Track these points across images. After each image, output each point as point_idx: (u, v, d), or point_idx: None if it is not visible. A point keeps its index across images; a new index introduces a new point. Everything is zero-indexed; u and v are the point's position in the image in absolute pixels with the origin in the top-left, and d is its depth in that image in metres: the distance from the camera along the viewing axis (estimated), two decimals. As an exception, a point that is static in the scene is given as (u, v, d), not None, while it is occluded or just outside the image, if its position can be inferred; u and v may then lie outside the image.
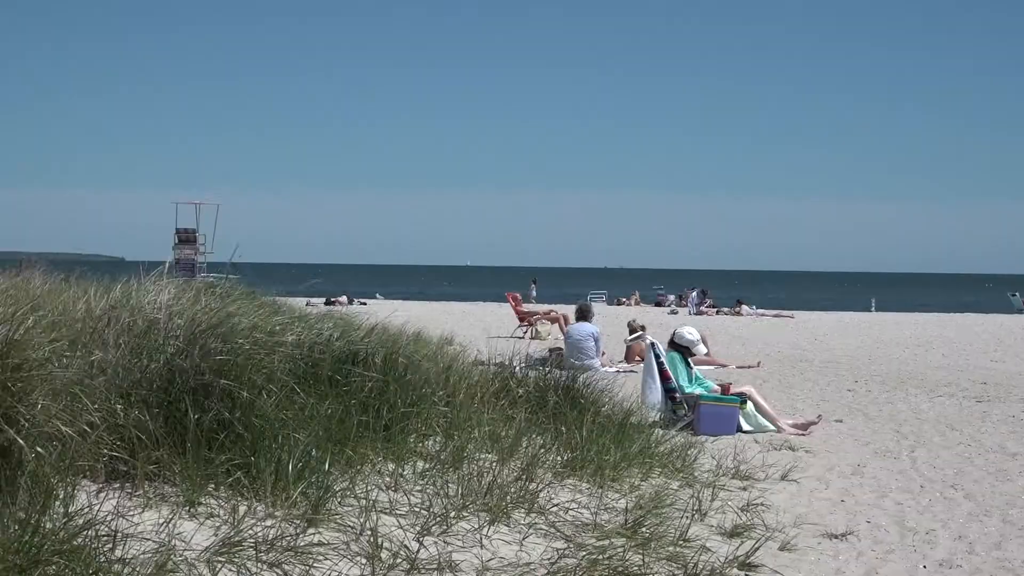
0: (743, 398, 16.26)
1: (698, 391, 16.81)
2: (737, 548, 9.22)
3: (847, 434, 16.27)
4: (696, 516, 10.25)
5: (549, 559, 8.24)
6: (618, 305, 67.95)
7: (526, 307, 43.53)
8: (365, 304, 54.85)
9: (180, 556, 6.84)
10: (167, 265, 11.12)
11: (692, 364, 17.62)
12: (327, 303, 49.58)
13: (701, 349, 17.93)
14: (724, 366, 25.34)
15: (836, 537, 10.24)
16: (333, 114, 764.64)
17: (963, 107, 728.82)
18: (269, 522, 7.70)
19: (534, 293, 61.42)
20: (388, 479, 9.26)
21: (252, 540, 7.25)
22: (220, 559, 6.98)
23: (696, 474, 12.12)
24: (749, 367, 25.14)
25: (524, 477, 9.82)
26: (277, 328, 10.42)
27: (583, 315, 26.16)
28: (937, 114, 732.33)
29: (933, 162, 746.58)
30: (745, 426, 16.01)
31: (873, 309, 70.78)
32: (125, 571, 6.43)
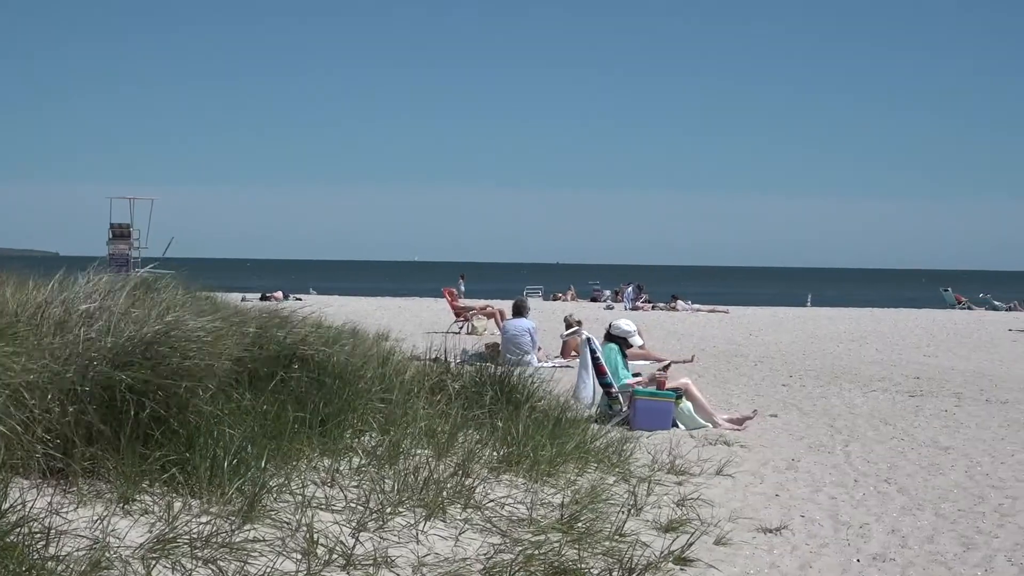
0: (678, 393, 16.31)
1: (632, 380, 16.89)
2: (672, 542, 9.27)
3: (781, 429, 16.37)
4: (632, 511, 10.29)
5: (485, 554, 8.26)
6: (554, 300, 67.96)
7: (463, 302, 43.51)
8: (301, 299, 54.59)
9: (114, 553, 6.81)
10: (99, 261, 11.04)
11: (628, 358, 17.68)
12: (263, 298, 49.29)
13: (637, 340, 17.98)
14: (660, 360, 25.40)
15: (771, 531, 10.31)
16: (275, 111, 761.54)
17: (899, 104, 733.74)
18: (204, 519, 7.67)
19: (462, 288, 61.30)
20: (324, 475, 9.24)
21: (187, 537, 7.23)
22: (154, 556, 6.95)
23: (632, 469, 12.16)
24: (684, 362, 25.21)
25: (460, 472, 9.83)
26: (213, 324, 10.36)
27: (519, 310, 26.18)
28: (877, 110, 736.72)
29: (868, 160, 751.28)
30: (680, 426, 16.06)
31: (808, 304, 71.13)
32: (59, 568, 6.39)
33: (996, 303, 68.05)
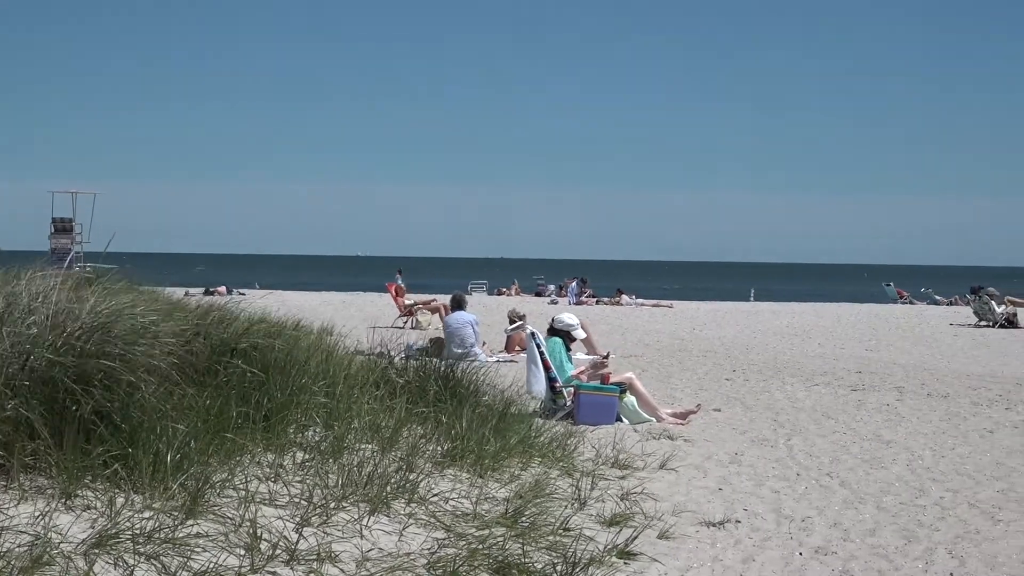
0: (622, 388, 16.34)
1: (574, 372, 16.93)
2: (616, 536, 9.31)
3: (725, 423, 16.43)
4: (576, 505, 10.32)
5: (429, 549, 8.25)
6: (499, 295, 67.98)
7: (412, 298, 43.45)
8: (244, 294, 54.39)
9: (56, 549, 6.77)
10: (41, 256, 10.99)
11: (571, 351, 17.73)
12: (206, 293, 49.00)
13: (580, 333, 18.01)
14: (604, 356, 25.45)
15: (714, 525, 10.36)
16: (218, 106, 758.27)
17: (835, 102, 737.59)
18: (147, 514, 7.63)
19: (399, 282, 61.16)
20: (267, 470, 9.22)
21: (130, 532, 7.19)
22: (97, 552, 6.91)
23: (576, 463, 12.18)
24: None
25: (404, 467, 9.83)
26: (155, 318, 10.31)
27: (458, 304, 26.21)
28: (809, 107, 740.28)
29: (808, 155, 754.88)
30: (624, 420, 16.10)
31: (751, 299, 71.40)
32: (0, 564, 6.36)
33: (937, 298, 68.46)
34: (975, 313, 43.45)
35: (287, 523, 8.15)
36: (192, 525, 7.65)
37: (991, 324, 41.72)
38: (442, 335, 26.21)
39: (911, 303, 67.00)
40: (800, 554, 9.60)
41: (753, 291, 77.68)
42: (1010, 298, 44.56)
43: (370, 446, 10.42)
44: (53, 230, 59.45)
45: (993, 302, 42.43)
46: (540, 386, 17.02)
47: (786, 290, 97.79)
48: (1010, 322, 41.24)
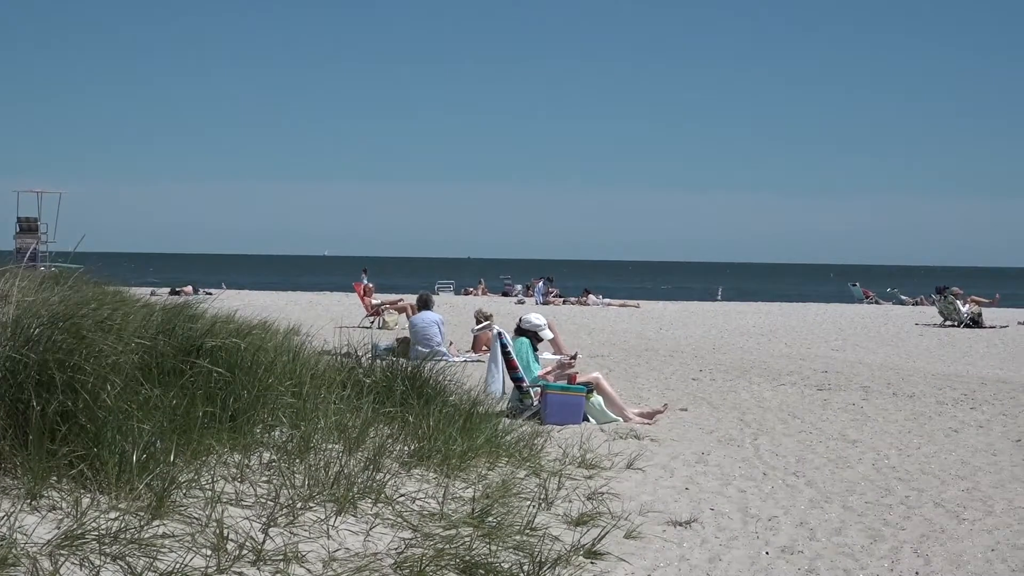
0: (589, 387, 16.35)
1: (541, 372, 16.94)
2: (583, 536, 9.32)
3: (691, 423, 16.46)
4: (543, 505, 10.31)
5: (396, 549, 8.25)
6: (466, 295, 68.02)
7: (379, 298, 43.42)
8: (211, 294, 54.20)
9: (21, 550, 6.75)
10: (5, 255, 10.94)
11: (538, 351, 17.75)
12: (172, 293, 48.91)
13: (547, 333, 18.03)
14: (571, 357, 25.47)
15: (681, 524, 10.37)
16: (185, 107, 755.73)
17: (799, 100, 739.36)
18: (113, 514, 7.60)
19: (365, 282, 60.99)
20: (234, 470, 9.19)
21: (96, 533, 7.17)
22: (63, 552, 6.89)
23: (543, 463, 12.18)
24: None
25: (371, 467, 9.81)
26: (121, 318, 10.28)
27: (425, 304, 26.19)
28: (774, 105, 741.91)
29: (774, 155, 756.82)
30: (591, 420, 16.11)
31: (718, 299, 71.62)
32: (-36, 565, 6.33)
33: (903, 298, 68.78)
34: (940, 313, 43.66)
35: (253, 523, 8.13)
36: (158, 525, 7.63)
37: (956, 324, 41.93)
38: (408, 335, 26.19)
39: (877, 303, 67.32)
40: (766, 553, 9.63)
41: (720, 291, 77.99)
42: (974, 298, 44.89)
43: (337, 446, 10.40)
44: (18, 229, 59.35)
45: (958, 302, 42.64)
46: (498, 385, 17.03)
47: (753, 290, 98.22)
48: (975, 322, 41.46)
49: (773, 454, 14.10)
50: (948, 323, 42.47)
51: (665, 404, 17.45)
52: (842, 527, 10.55)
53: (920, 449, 14.65)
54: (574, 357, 18.25)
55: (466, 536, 8.67)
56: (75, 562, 6.86)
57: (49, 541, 6.98)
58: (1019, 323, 43.96)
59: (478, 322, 28.02)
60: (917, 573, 9.20)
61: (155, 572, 6.97)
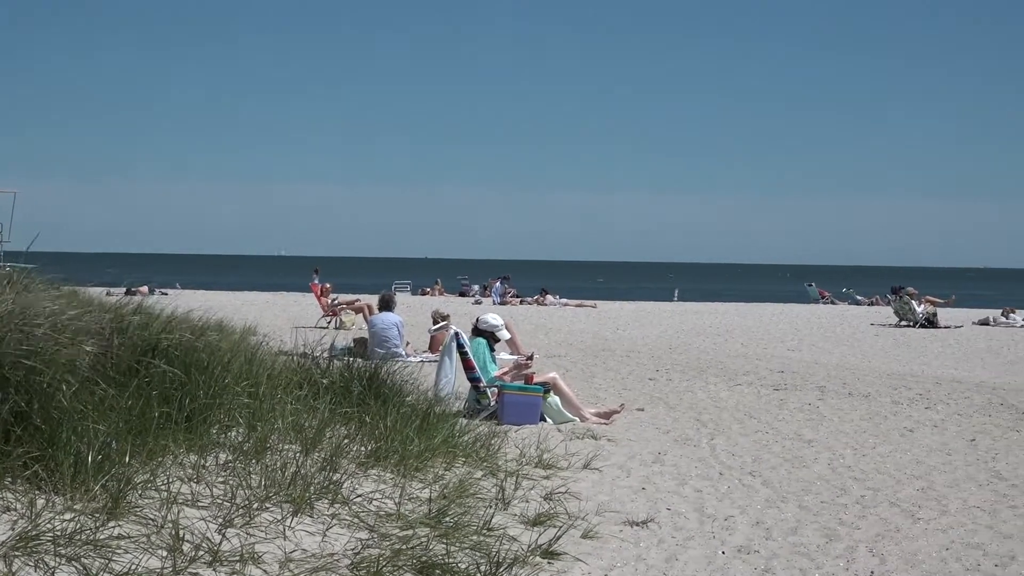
0: (546, 387, 16.36)
1: (498, 372, 16.94)
2: (540, 536, 9.32)
3: (648, 423, 16.48)
4: (500, 505, 10.32)
5: (353, 549, 8.23)
6: (423, 295, 67.94)
7: (344, 297, 43.33)
8: (167, 294, 54.04)
9: (-25, 551, 6.70)
10: None
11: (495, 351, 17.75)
12: (128, 292, 48.67)
13: (504, 333, 18.02)
14: (528, 357, 25.47)
15: (637, 524, 10.39)
16: (142, 108, 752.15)
17: (757, 102, 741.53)
18: (68, 516, 7.56)
19: (317, 281, 60.66)
20: (190, 471, 9.15)
21: (50, 534, 7.12)
22: (17, 554, 6.84)
23: (500, 463, 12.17)
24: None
25: (328, 468, 9.79)
26: (76, 317, 10.22)
27: (386, 304, 26.14)
28: (729, 107, 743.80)
29: (728, 157, 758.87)
30: (548, 420, 16.12)
31: (675, 299, 71.71)
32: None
33: (858, 298, 69.03)
34: (896, 313, 43.83)
35: (210, 524, 8.10)
36: (114, 527, 7.58)
37: (911, 324, 42.11)
38: (366, 335, 26.14)
39: (833, 303, 67.56)
40: (723, 553, 9.65)
41: (677, 291, 78.08)
42: (929, 298, 45.04)
43: (293, 447, 10.37)
44: (-31, 230, 58.87)
45: (913, 302, 42.80)
46: (449, 384, 17.02)
47: (709, 290, 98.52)
48: (930, 322, 41.64)
49: (729, 454, 14.14)
50: (903, 323, 42.63)
51: (622, 404, 17.47)
52: (798, 526, 10.59)
53: (875, 449, 14.71)
54: (531, 357, 18.24)
55: (423, 536, 8.67)
56: (30, 563, 6.82)
57: (3, 542, 6.93)
58: (974, 323, 44.21)
59: (435, 322, 27.97)
60: (872, 572, 9.24)
61: (110, 573, 6.93)
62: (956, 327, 42.00)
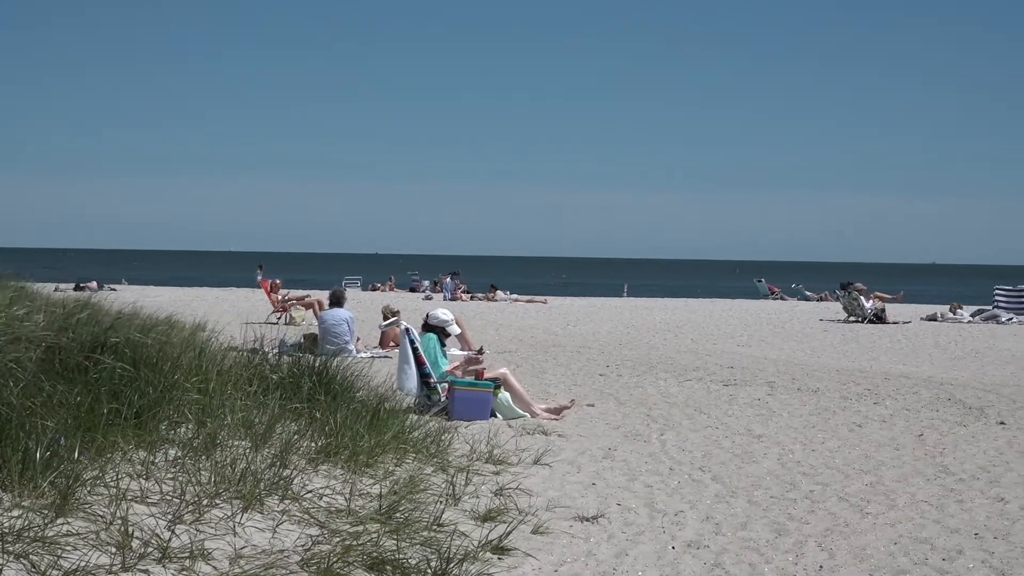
0: (497, 383, 16.37)
1: (448, 367, 16.96)
2: (490, 532, 9.33)
3: (598, 418, 16.51)
4: (450, 501, 10.33)
5: (303, 546, 8.22)
6: (373, 291, 67.90)
7: (294, 293, 43.24)
8: (115, 290, 53.85)
9: (-78, 548, 6.66)
10: None
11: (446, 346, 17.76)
12: (76, 288, 48.48)
13: (455, 329, 18.04)
14: (478, 351, 25.48)
15: (588, 520, 10.40)
16: (93, 100, 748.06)
17: (703, 97, 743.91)
18: (16, 512, 7.51)
19: (260, 278, 60.48)
20: (139, 467, 9.10)
21: (-2, 531, 7.08)
22: (-36, 551, 6.80)
23: (450, 459, 12.18)
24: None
25: (278, 464, 9.76)
26: (23, 313, 10.17)
27: (337, 300, 26.10)
28: (677, 103, 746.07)
29: (675, 154, 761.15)
30: (498, 416, 16.13)
31: (625, 295, 71.84)
32: None
33: (807, 293, 69.31)
34: (844, 309, 44.00)
35: (159, 521, 8.06)
36: (62, 523, 7.54)
37: (860, 319, 42.30)
38: (316, 331, 26.09)
39: (782, 299, 67.80)
40: (673, 548, 9.68)
41: (627, 287, 78.23)
42: (878, 293, 45.24)
43: (243, 443, 10.34)
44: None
45: (862, 298, 42.99)
46: (411, 383, 17.00)
47: (659, 286, 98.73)
48: (878, 317, 41.84)
49: (679, 449, 14.18)
50: (852, 319, 42.81)
51: (572, 400, 17.50)
52: (747, 521, 10.63)
53: (824, 444, 14.79)
54: (480, 351, 18.25)
55: (373, 532, 8.66)
56: (-23, 561, 6.78)
57: (-49, 540, 6.89)
58: (922, 319, 44.43)
59: (385, 318, 27.99)
60: (821, 567, 9.29)
61: (59, 570, 6.89)
62: (904, 323, 42.22)
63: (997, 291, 51.52)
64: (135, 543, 7.50)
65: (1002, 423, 16.82)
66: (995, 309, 46.88)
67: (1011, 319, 44.17)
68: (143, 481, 8.86)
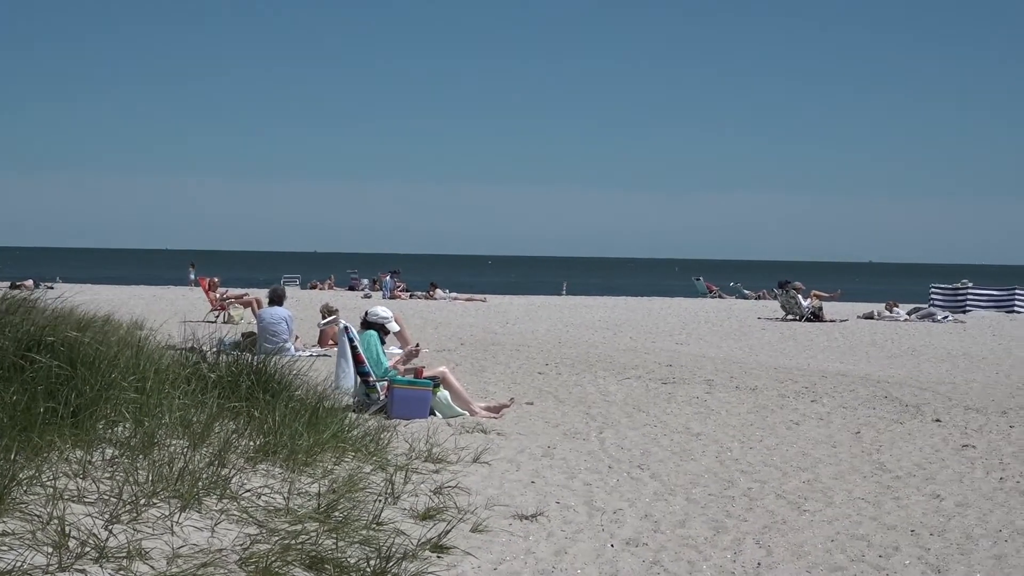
0: (436, 381, 16.37)
1: (388, 363, 16.94)
2: (430, 530, 9.33)
3: (538, 416, 16.53)
4: (389, 499, 10.31)
5: (242, 545, 8.19)
6: (312, 289, 67.78)
7: (233, 292, 43.08)
8: (52, 288, 53.43)
9: None
10: None
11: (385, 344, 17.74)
12: (12, 287, 48.06)
13: (394, 326, 18.04)
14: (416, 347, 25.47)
15: (527, 518, 10.41)
16: (25, 97, 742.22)
17: (656, 100, 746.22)
18: (-49, 512, 7.46)
19: (192, 277, 60.20)
20: (76, 466, 9.05)
21: (-67, 531, 7.03)
22: (-102, 552, 6.75)
23: (389, 458, 12.17)
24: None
25: (216, 463, 9.71)
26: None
27: (276, 299, 26.01)
28: (630, 106, 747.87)
29: (625, 151, 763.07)
30: (437, 415, 16.12)
31: (564, 293, 71.99)
32: None
33: (746, 292, 69.74)
34: (782, 307, 44.22)
35: (96, 520, 8.02)
36: (-2, 523, 7.50)
37: (797, 318, 42.52)
38: (255, 329, 26.00)
39: (721, 297, 68.22)
40: (612, 546, 9.70)
41: (565, 285, 78.34)
42: (816, 292, 45.45)
43: (181, 442, 10.28)
44: None
45: (800, 296, 43.22)
46: (348, 381, 16.96)
47: (598, 284, 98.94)
48: (816, 316, 42.07)
49: (618, 447, 14.22)
50: (790, 317, 43.03)
51: (511, 398, 17.52)
52: (686, 519, 10.67)
53: (762, 441, 14.86)
54: (416, 347, 18.27)
55: (312, 531, 8.64)
56: (-89, 562, 6.72)
57: None
58: (859, 317, 44.70)
59: (324, 316, 27.93)
60: (759, 564, 9.33)
61: (-6, 571, 6.85)
62: (841, 321, 42.48)
63: (933, 290, 51.97)
64: (72, 543, 7.45)
65: (938, 420, 16.96)
66: (931, 307, 47.35)
67: (947, 317, 44.55)
68: (80, 480, 8.80)
